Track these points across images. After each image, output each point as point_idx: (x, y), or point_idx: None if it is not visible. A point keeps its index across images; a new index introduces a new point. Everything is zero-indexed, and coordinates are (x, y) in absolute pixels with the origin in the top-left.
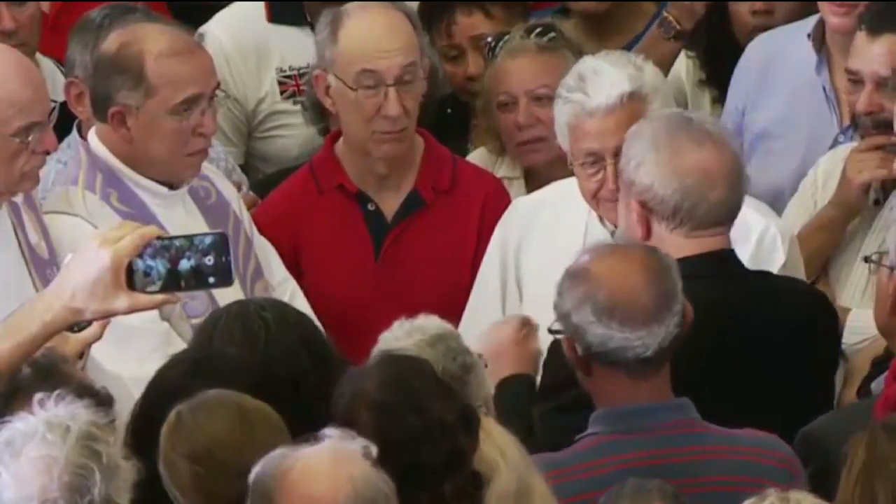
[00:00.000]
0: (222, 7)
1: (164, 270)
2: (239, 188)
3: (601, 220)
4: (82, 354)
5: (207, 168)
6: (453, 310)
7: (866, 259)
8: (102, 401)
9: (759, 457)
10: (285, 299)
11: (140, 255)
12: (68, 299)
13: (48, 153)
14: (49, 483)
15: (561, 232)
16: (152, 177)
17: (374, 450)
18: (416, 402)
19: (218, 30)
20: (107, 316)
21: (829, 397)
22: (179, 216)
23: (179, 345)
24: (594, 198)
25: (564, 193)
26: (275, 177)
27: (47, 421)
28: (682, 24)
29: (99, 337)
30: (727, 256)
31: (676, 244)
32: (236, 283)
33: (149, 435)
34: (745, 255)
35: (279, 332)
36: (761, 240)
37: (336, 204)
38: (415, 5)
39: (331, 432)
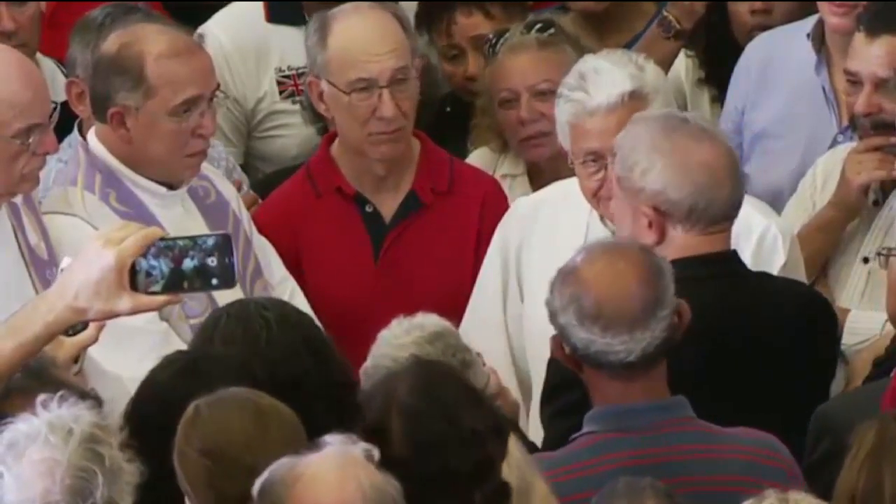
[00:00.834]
0: (221, 7)
1: (167, 270)
2: (239, 188)
3: (602, 219)
4: (77, 358)
5: (206, 168)
6: (453, 310)
7: (877, 254)
8: (92, 403)
9: (755, 456)
10: (285, 298)
11: (143, 256)
12: (71, 300)
13: (48, 154)
14: (51, 486)
15: (562, 232)
16: (151, 177)
17: (376, 453)
18: (447, 409)
19: (217, 30)
20: (110, 317)
21: (827, 398)
22: (178, 216)
23: (178, 345)
24: (595, 197)
25: (565, 193)
26: (274, 176)
27: (50, 423)
28: (682, 24)
29: (94, 340)
30: (732, 256)
31: (689, 244)
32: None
33: (141, 436)
34: (746, 254)
35: (280, 332)
36: (762, 240)
37: (334, 206)
38: (413, 5)
39: (331, 438)
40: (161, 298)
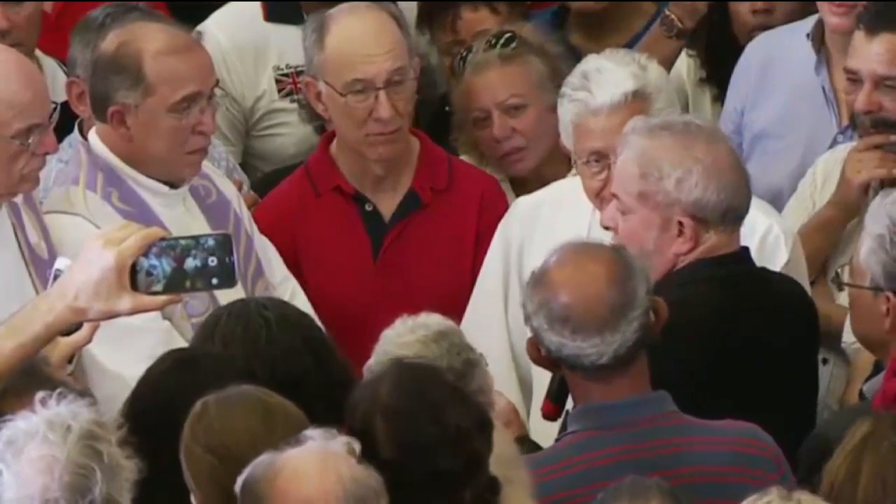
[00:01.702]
0: (221, 6)
1: (169, 269)
2: (240, 188)
3: None
4: (71, 358)
5: (207, 167)
6: (453, 309)
7: (831, 281)
8: (90, 401)
9: (740, 446)
10: (286, 298)
11: (145, 255)
12: (71, 300)
13: (48, 155)
14: (50, 483)
15: (563, 231)
16: (153, 176)
17: (356, 446)
18: (431, 409)
19: (215, 29)
20: (110, 317)
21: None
22: (180, 215)
23: (180, 344)
24: (598, 196)
25: (566, 193)
26: (273, 175)
27: (49, 420)
28: (685, 23)
29: (88, 341)
30: (745, 254)
31: (717, 244)
32: (238, 284)
33: (138, 432)
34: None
35: (280, 332)
36: (764, 239)
37: (333, 205)
38: (413, 5)
39: (312, 433)
40: (162, 298)
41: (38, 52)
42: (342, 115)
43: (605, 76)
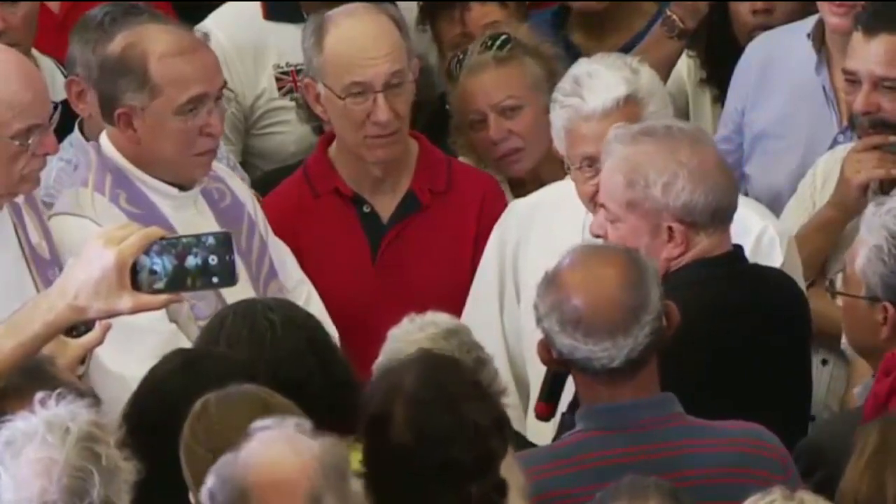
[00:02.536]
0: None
1: (170, 267)
2: None
3: None
4: (83, 360)
5: (222, 169)
6: (451, 311)
7: (826, 289)
8: (91, 401)
9: (745, 447)
10: (300, 302)
11: (146, 254)
12: (72, 299)
13: (48, 155)
14: (48, 485)
15: (559, 233)
16: (162, 178)
17: (306, 424)
18: (451, 401)
19: (214, 28)
20: (110, 316)
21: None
22: (190, 217)
23: (186, 346)
24: (592, 201)
25: (562, 195)
26: (272, 174)
27: (47, 421)
28: (686, 24)
29: (100, 342)
30: (739, 253)
31: (708, 246)
32: (248, 285)
33: (139, 433)
34: None
35: (285, 334)
36: (759, 241)
37: (332, 207)
38: (412, 6)
39: (263, 423)
40: (162, 297)
41: (35, 52)
42: (341, 117)
43: (597, 81)
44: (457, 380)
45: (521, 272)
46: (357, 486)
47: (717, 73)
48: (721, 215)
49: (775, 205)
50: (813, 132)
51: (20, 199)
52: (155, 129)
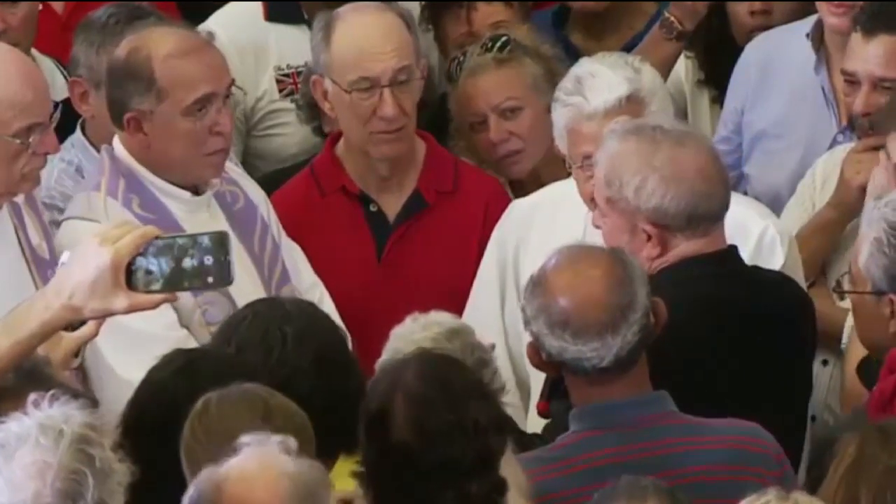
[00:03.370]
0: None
1: (167, 268)
2: None
3: None
4: (78, 353)
5: (235, 171)
6: (455, 310)
7: (833, 290)
8: (84, 402)
9: (740, 444)
10: None
11: (142, 254)
12: (67, 298)
13: (49, 154)
14: (42, 489)
15: (560, 233)
16: (175, 181)
17: (292, 443)
18: (451, 400)
19: (215, 28)
20: (106, 315)
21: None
22: (204, 221)
23: None
24: (592, 200)
25: (563, 195)
26: (273, 175)
27: (41, 424)
28: (685, 25)
29: (94, 335)
30: (732, 252)
31: (690, 249)
32: (260, 288)
33: (139, 434)
34: (745, 256)
35: (294, 349)
36: (760, 241)
37: (338, 205)
38: (416, 5)
39: (247, 439)
40: (157, 297)
41: (35, 52)
42: (347, 112)
43: (599, 80)
44: (457, 378)
45: (522, 272)
46: None
47: (716, 74)
48: (698, 220)
49: (775, 205)
50: (812, 132)
51: (20, 200)
52: (164, 132)
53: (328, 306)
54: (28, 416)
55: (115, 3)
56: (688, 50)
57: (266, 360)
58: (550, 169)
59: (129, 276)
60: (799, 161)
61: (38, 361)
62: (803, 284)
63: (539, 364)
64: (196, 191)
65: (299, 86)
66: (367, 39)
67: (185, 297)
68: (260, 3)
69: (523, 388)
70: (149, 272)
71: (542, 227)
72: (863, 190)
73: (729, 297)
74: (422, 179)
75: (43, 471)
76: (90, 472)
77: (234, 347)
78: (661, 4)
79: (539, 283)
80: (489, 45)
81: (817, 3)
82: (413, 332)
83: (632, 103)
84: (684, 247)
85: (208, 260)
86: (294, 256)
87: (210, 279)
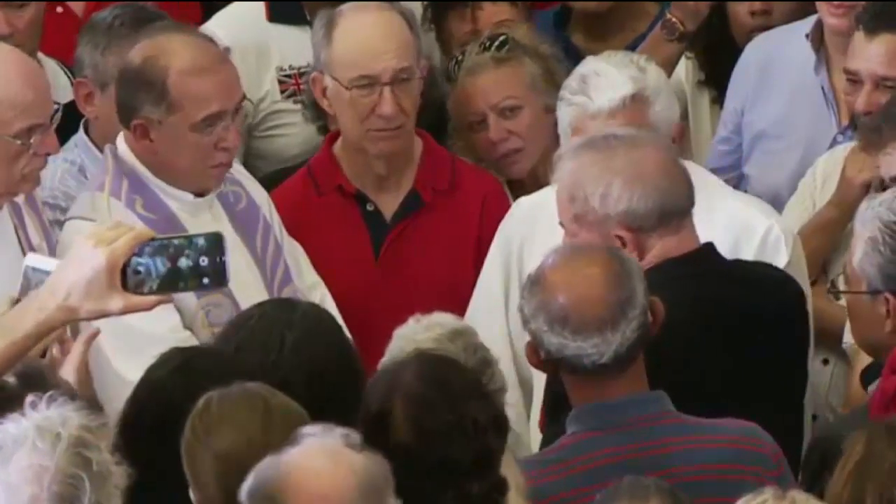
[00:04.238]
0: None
1: (163, 269)
2: None
3: None
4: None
5: (239, 171)
6: (453, 310)
7: (828, 291)
8: (81, 404)
9: (738, 443)
10: None
11: (138, 255)
12: (62, 299)
13: (49, 155)
14: (39, 493)
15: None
16: (178, 186)
17: (355, 437)
18: (451, 400)
19: (217, 29)
20: (101, 316)
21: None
22: (206, 223)
23: None
24: None
25: None
26: (274, 175)
27: (38, 427)
28: (686, 26)
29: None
30: (709, 251)
31: (668, 247)
32: (262, 289)
33: (136, 435)
34: (749, 255)
35: (290, 357)
36: (765, 240)
37: (335, 205)
38: (418, 5)
39: (310, 429)
40: (152, 298)
41: (39, 54)
42: (346, 109)
43: (604, 79)
44: (456, 378)
45: (527, 271)
46: None
47: (716, 74)
48: (669, 216)
49: (775, 205)
50: (812, 132)
51: (20, 200)
52: (171, 142)
53: (329, 306)
54: (25, 418)
55: (123, 3)
56: (688, 50)
57: (263, 362)
58: (549, 168)
59: (124, 277)
60: (799, 161)
61: (41, 367)
62: (807, 283)
63: (537, 363)
64: (198, 193)
65: (303, 86)
66: (369, 38)
67: (188, 299)
68: (262, 3)
69: (526, 387)
70: (144, 273)
71: (547, 226)
72: (865, 189)
73: (713, 296)
74: (419, 178)
75: (40, 474)
76: (87, 476)
77: (234, 346)
78: (663, 5)
79: (537, 282)
80: (487, 44)
81: (817, 4)
82: (415, 333)
83: (636, 102)
84: (660, 246)
85: (203, 261)
86: (296, 256)
87: (205, 280)
